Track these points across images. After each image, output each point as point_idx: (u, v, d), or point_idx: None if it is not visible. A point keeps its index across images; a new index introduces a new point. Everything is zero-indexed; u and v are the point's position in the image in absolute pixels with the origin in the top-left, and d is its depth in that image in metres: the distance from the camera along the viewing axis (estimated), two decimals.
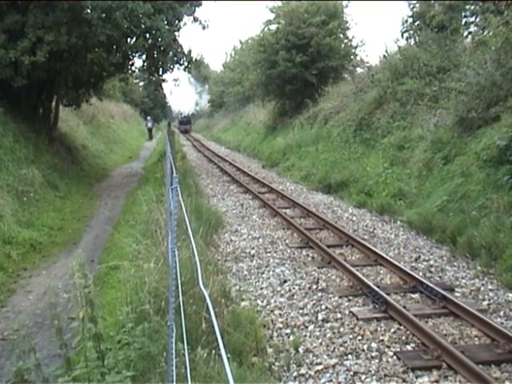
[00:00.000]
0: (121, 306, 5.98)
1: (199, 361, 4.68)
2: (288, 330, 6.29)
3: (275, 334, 6.23)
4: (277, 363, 5.49)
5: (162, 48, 18.81)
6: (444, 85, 14.78)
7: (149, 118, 50.54)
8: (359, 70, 26.46)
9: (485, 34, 14.91)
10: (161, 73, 20.61)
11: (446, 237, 9.63)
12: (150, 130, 48.05)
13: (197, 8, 19.93)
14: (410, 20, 23.94)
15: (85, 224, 13.27)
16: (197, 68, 19.41)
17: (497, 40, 12.27)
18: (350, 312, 6.78)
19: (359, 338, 6.04)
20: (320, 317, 6.66)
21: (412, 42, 22.01)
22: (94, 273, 8.18)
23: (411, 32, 23.37)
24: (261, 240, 10.58)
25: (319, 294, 7.46)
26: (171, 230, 4.13)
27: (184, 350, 3.86)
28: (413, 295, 7.33)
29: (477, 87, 12.37)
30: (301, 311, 6.88)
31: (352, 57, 29.14)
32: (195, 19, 19.84)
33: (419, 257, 9.09)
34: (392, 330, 6.20)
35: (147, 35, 18.12)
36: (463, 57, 15.44)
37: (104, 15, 16.18)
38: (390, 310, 6.63)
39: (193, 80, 74.23)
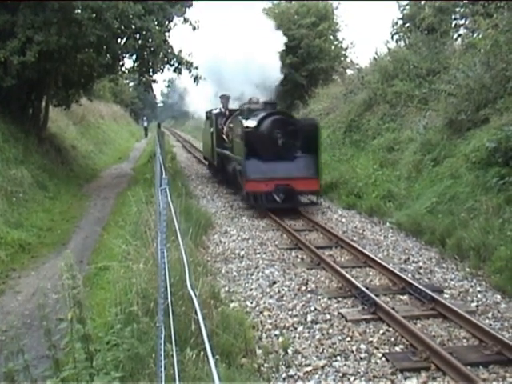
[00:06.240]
0: (110, 307, 5.97)
1: (188, 362, 4.67)
2: (277, 332, 6.28)
3: (264, 335, 6.23)
4: (266, 364, 5.49)
5: (152, 49, 18.72)
6: (434, 87, 14.87)
7: (145, 118, 58.64)
8: (349, 71, 26.51)
9: (474, 36, 15.05)
10: (151, 73, 20.56)
11: (435, 238, 9.66)
12: (145, 129, 54.28)
13: (187, 9, 19.89)
14: (400, 22, 24.15)
15: (74, 225, 13.21)
16: (187, 69, 19.35)
17: (486, 42, 12.36)
18: (339, 313, 6.79)
19: (348, 339, 6.05)
20: (309, 318, 6.66)
21: (402, 44, 22.11)
22: (83, 274, 8.15)
23: (401, 34, 23.54)
24: (250, 241, 10.57)
25: (308, 296, 7.47)
26: (160, 231, 4.12)
27: (173, 351, 3.85)
28: (402, 297, 7.35)
29: (466, 89, 12.44)
30: (290, 312, 6.88)
31: (342, 58, 29.27)
32: (186, 20, 19.80)
33: (408, 258, 9.12)
34: (381, 332, 6.21)
35: (137, 36, 18.06)
36: (453, 59, 15.54)
37: (94, 15, 16.12)
38: (378, 311, 6.65)
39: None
